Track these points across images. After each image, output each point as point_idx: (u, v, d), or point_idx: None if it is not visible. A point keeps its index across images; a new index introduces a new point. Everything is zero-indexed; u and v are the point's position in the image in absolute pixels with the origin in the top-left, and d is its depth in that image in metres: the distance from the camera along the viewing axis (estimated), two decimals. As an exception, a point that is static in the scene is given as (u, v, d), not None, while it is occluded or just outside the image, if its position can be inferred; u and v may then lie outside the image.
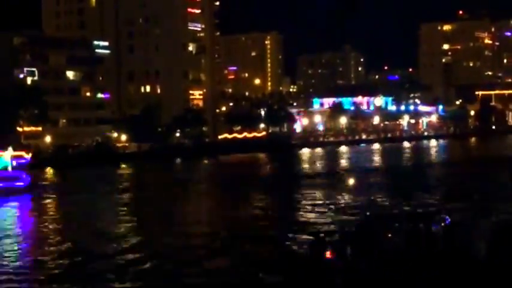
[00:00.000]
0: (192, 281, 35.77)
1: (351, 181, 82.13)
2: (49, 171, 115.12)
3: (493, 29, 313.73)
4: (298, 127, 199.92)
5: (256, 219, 55.16)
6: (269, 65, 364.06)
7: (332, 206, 58.86)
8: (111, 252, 43.73)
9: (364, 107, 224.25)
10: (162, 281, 36.22)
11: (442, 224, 30.25)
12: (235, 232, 49.15)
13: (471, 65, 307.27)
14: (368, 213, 36.76)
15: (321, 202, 62.98)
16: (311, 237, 30.70)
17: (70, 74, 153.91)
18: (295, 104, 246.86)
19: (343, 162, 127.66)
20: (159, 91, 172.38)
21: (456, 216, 30.92)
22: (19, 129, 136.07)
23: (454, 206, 32.98)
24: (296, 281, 30.05)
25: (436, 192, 63.39)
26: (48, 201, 76.09)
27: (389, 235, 30.74)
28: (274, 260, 35.38)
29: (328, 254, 29.59)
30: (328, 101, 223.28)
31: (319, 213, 55.75)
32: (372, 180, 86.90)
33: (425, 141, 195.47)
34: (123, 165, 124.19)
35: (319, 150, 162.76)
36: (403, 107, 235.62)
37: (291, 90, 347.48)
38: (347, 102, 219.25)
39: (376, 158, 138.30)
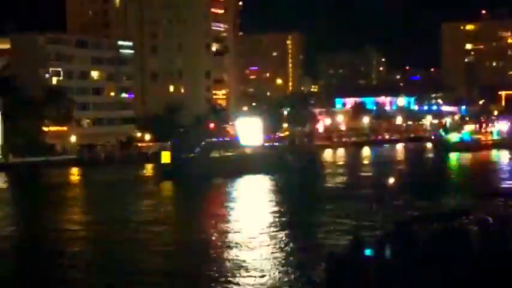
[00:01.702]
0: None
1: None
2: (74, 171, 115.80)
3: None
4: (320, 127, 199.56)
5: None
6: (290, 64, 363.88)
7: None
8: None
9: (387, 107, 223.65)
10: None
11: (482, 224, 30.25)
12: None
13: (494, 64, 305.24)
14: (407, 213, 36.77)
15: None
16: (351, 238, 30.78)
17: (94, 74, 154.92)
18: (317, 104, 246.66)
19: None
20: (182, 91, 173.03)
21: (494, 215, 30.77)
22: (45, 128, 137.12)
23: (490, 205, 32.80)
24: (337, 280, 30.19)
25: (468, 191, 63.03)
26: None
27: (427, 234, 30.77)
28: (316, 261, 35.49)
29: (367, 253, 29.68)
30: (350, 101, 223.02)
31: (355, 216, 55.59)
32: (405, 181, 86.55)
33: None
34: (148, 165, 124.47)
35: (341, 150, 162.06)
36: (425, 107, 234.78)
37: (312, 90, 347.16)
38: (369, 102, 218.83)
39: (401, 159, 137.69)
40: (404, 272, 28.93)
